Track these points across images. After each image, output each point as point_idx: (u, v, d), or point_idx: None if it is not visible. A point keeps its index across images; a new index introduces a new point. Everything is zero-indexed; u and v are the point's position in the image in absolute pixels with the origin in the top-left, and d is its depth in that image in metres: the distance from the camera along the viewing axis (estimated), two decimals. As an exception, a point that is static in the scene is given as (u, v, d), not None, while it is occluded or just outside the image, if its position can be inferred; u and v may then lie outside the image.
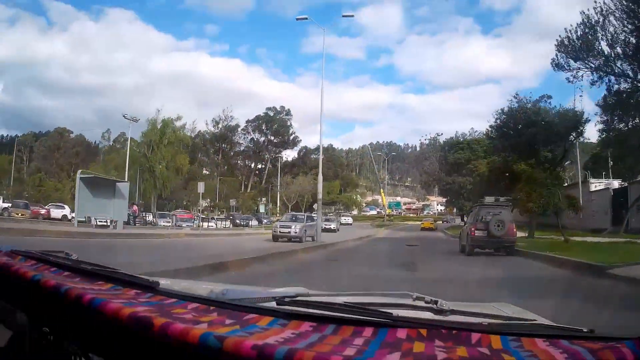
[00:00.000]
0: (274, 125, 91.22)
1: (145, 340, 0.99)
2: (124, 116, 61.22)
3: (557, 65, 23.71)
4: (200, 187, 26.56)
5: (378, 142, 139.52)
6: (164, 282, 1.37)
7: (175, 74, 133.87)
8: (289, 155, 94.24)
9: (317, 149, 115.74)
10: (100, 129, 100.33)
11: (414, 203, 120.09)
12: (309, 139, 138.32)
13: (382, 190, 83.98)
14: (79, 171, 22.89)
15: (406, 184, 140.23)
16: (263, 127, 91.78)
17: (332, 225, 35.93)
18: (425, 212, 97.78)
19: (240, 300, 1.22)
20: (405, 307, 1.17)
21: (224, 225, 40.81)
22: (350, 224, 52.77)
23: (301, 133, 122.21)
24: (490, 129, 29.70)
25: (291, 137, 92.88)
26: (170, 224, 34.38)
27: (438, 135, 56.57)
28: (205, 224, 38.48)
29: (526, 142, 25.48)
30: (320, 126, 21.44)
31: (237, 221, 45.10)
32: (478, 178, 40.55)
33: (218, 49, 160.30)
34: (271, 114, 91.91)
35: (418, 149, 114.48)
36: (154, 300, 1.19)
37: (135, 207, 32.65)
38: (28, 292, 1.24)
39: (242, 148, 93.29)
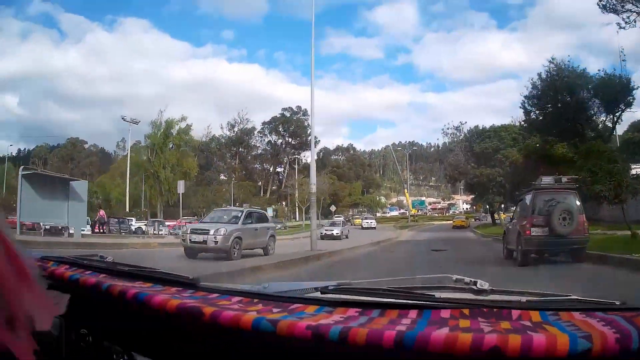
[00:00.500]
0: (291, 126, 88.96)
1: (191, 334, 1.00)
2: (122, 118, 58.79)
3: (604, 7, 19.14)
4: (180, 186, 22.83)
5: (400, 142, 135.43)
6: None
7: (193, 81, 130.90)
8: (309, 156, 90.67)
9: (337, 149, 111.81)
10: (116, 139, 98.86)
11: (439, 202, 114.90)
12: (330, 141, 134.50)
13: (405, 190, 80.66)
14: (21, 167, 19.26)
15: (430, 183, 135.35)
16: (280, 129, 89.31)
17: (336, 231, 28.43)
18: (451, 212, 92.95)
19: (283, 292, 1.22)
20: (446, 289, 1.21)
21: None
22: (374, 228, 46.84)
23: (322, 135, 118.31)
24: (525, 100, 24.81)
25: (309, 138, 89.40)
26: (153, 231, 30.81)
27: (462, 123, 51.08)
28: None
29: (570, 115, 20.58)
30: (312, 105, 17.14)
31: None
32: (508, 168, 35.56)
33: (236, 55, 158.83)
34: (287, 114, 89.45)
35: (440, 146, 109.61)
36: (198, 295, 1.19)
37: (102, 212, 29.02)
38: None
39: (259, 151, 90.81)
